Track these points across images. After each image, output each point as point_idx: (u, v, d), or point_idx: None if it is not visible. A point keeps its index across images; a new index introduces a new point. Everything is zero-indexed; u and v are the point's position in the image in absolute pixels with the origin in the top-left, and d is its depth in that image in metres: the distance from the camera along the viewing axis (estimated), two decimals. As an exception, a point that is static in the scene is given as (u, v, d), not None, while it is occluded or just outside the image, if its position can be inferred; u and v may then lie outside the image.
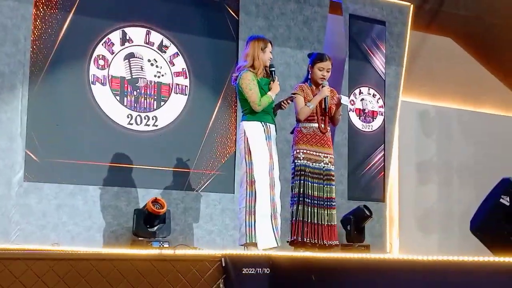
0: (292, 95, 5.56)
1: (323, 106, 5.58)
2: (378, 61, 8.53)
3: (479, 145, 9.44)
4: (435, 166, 9.18)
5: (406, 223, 8.73)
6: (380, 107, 8.54)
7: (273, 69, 5.42)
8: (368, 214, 7.53)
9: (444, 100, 9.41)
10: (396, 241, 8.55)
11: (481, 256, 3.29)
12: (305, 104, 5.53)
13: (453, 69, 9.42)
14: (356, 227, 7.53)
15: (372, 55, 8.49)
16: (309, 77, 5.68)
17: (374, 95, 8.51)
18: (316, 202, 5.50)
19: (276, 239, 5.28)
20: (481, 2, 9.05)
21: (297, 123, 5.63)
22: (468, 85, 9.56)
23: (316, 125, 5.57)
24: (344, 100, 5.55)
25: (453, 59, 9.45)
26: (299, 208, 5.46)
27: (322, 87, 5.57)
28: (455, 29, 9.45)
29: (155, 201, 6.43)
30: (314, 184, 5.51)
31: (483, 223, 4.37)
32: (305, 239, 5.43)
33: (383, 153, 8.46)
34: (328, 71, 5.61)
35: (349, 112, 8.29)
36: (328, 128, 5.66)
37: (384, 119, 8.53)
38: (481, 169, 9.20)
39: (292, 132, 5.67)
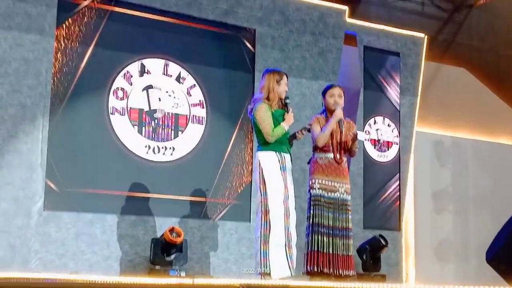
0: (308, 126, 5.62)
1: (338, 134, 5.63)
2: (393, 92, 8.61)
3: (495, 175, 9.43)
4: (451, 195, 9.17)
5: (422, 252, 8.71)
6: (395, 137, 8.59)
7: (288, 101, 5.51)
8: (384, 243, 7.55)
9: (459, 130, 9.44)
10: (412, 271, 8.53)
11: (497, 286, 3.31)
12: (321, 131, 5.58)
13: (468, 99, 9.47)
14: (372, 256, 7.54)
15: (386, 85, 8.58)
16: (324, 108, 5.77)
17: (389, 125, 8.57)
18: (332, 232, 5.53)
19: (290, 269, 5.31)
20: (495, 33, 9.14)
21: (313, 154, 5.69)
22: (483, 115, 9.58)
23: (332, 155, 5.61)
24: (361, 136, 5.61)
25: (467, 89, 9.50)
26: (314, 238, 5.48)
27: (335, 110, 5.64)
28: (469, 60, 9.51)
29: (172, 230, 6.50)
30: (330, 214, 5.55)
31: (498, 253, 4.36)
32: (323, 269, 5.44)
33: (398, 182, 8.48)
34: (339, 96, 5.68)
35: (365, 142, 8.34)
36: (344, 159, 5.71)
37: (399, 149, 8.58)
38: (497, 199, 9.18)
39: (308, 163, 5.73)
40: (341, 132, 5.63)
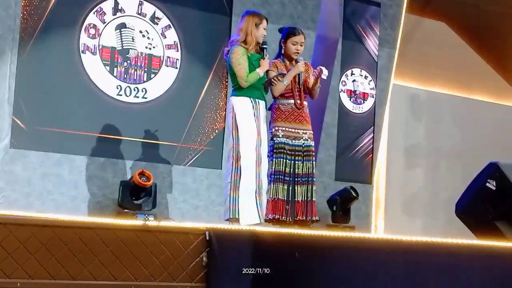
0: (282, 72, 5.45)
1: (297, 80, 5.49)
2: (371, 43, 8.50)
3: (468, 131, 9.45)
4: (424, 150, 9.19)
5: (392, 206, 8.76)
6: (371, 89, 8.52)
7: (265, 46, 5.36)
8: (355, 195, 7.55)
9: (436, 85, 9.40)
10: (381, 223, 8.59)
11: (463, 239, 3.30)
12: (279, 80, 5.43)
13: (446, 54, 9.40)
14: (342, 208, 7.55)
15: (365, 36, 8.45)
16: (282, 52, 5.55)
17: (366, 77, 8.49)
18: (295, 179, 5.45)
19: (259, 216, 5.27)
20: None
21: (274, 100, 5.50)
22: (460, 71, 9.54)
23: (293, 101, 5.50)
24: (325, 71, 5.40)
25: (446, 44, 9.42)
26: (276, 186, 5.39)
27: (296, 62, 5.49)
28: (450, 14, 9.41)
29: (141, 174, 6.41)
30: (293, 161, 5.46)
31: (468, 206, 4.38)
32: (280, 217, 5.38)
33: (372, 135, 8.45)
34: (301, 45, 5.49)
35: (340, 93, 8.27)
36: (305, 103, 5.56)
37: (375, 101, 8.52)
38: (469, 154, 9.21)
39: (269, 109, 5.58)
40: (299, 79, 5.48)
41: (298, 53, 5.49)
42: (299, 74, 5.46)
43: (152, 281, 3.98)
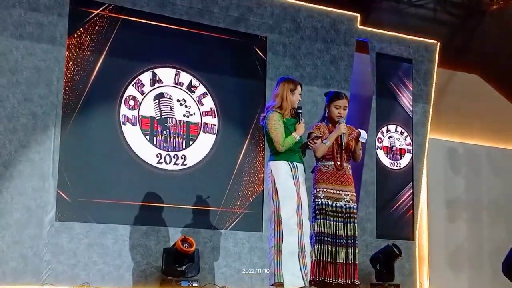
0: (317, 135, 5.54)
1: (339, 143, 5.58)
2: (405, 99, 8.55)
3: (509, 183, 9.35)
4: (465, 203, 9.10)
5: (436, 261, 8.64)
6: (408, 144, 8.53)
7: (300, 111, 5.46)
8: (398, 252, 7.48)
9: (472, 138, 9.37)
10: (426, 280, 8.45)
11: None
12: (322, 142, 5.54)
13: (481, 106, 9.40)
14: (385, 266, 7.48)
15: (399, 93, 8.52)
16: (326, 116, 5.70)
17: (401, 133, 8.51)
18: (336, 241, 5.48)
19: (303, 279, 5.25)
20: (508, 39, 9.06)
21: (316, 162, 5.64)
22: (496, 122, 9.51)
23: (333, 162, 5.57)
24: (363, 134, 5.52)
25: (480, 96, 9.43)
26: (320, 247, 5.44)
27: (339, 124, 5.59)
28: (482, 66, 9.44)
29: (184, 240, 6.46)
30: (335, 223, 5.50)
31: (514, 264, 4.31)
32: (326, 279, 5.39)
33: (411, 191, 8.42)
34: (344, 109, 5.63)
35: (377, 150, 8.29)
36: (347, 165, 5.62)
37: (412, 156, 8.51)
38: (511, 206, 9.10)
39: (312, 171, 5.68)
40: (342, 141, 5.56)
41: (341, 116, 5.60)
42: (341, 136, 5.55)
43: None
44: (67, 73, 6.59)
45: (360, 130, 5.57)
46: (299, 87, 5.48)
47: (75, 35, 6.67)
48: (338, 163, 5.56)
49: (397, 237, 8.08)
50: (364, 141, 5.56)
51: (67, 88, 6.58)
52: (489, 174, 9.31)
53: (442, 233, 8.80)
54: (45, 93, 6.46)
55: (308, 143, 5.48)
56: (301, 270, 5.28)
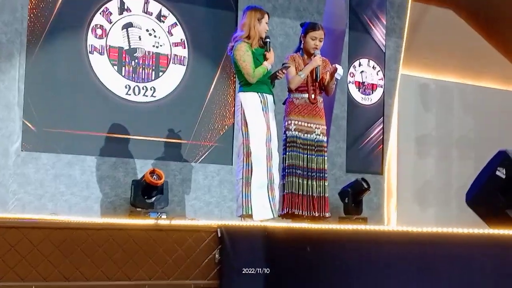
0: (286, 65, 5.47)
1: (314, 75, 5.52)
2: (379, 33, 8.46)
3: (479, 119, 9.40)
4: (435, 139, 9.15)
5: (404, 196, 8.74)
6: (379, 79, 8.49)
7: (268, 39, 5.37)
8: (366, 187, 7.53)
9: (445, 74, 9.35)
10: (393, 214, 8.57)
11: (477, 228, 3.29)
12: (296, 74, 5.47)
13: (454, 42, 9.34)
14: (354, 199, 7.53)
15: (372, 26, 8.42)
16: (301, 47, 5.61)
17: (374, 67, 8.46)
18: (307, 173, 5.47)
19: (272, 211, 5.28)
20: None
21: (289, 94, 5.58)
22: (469, 58, 9.48)
23: (307, 95, 5.52)
24: (340, 70, 5.46)
25: (454, 32, 9.36)
26: (291, 180, 5.44)
27: (314, 56, 5.51)
28: (456, 1, 9.35)
29: (153, 172, 6.43)
30: (305, 155, 5.48)
31: (478, 195, 4.35)
32: (296, 211, 5.41)
33: (382, 126, 8.43)
34: (320, 41, 5.55)
35: (349, 85, 8.25)
36: (319, 98, 5.59)
37: (383, 92, 8.49)
38: (481, 142, 9.17)
39: (284, 103, 5.62)
40: (317, 74, 5.50)
41: (316, 48, 5.53)
42: (316, 69, 5.48)
43: (165, 280, 4.00)
44: (32, 0, 6.39)
45: (337, 65, 5.50)
46: (266, 16, 5.38)
47: (40, -40, 6.45)
48: (312, 96, 5.52)
49: (367, 172, 8.13)
50: (339, 78, 5.51)
51: (32, 15, 6.39)
52: (460, 110, 9.34)
53: (411, 168, 8.87)
54: (9, 20, 6.28)
55: (277, 73, 5.40)
56: (270, 202, 5.30)
